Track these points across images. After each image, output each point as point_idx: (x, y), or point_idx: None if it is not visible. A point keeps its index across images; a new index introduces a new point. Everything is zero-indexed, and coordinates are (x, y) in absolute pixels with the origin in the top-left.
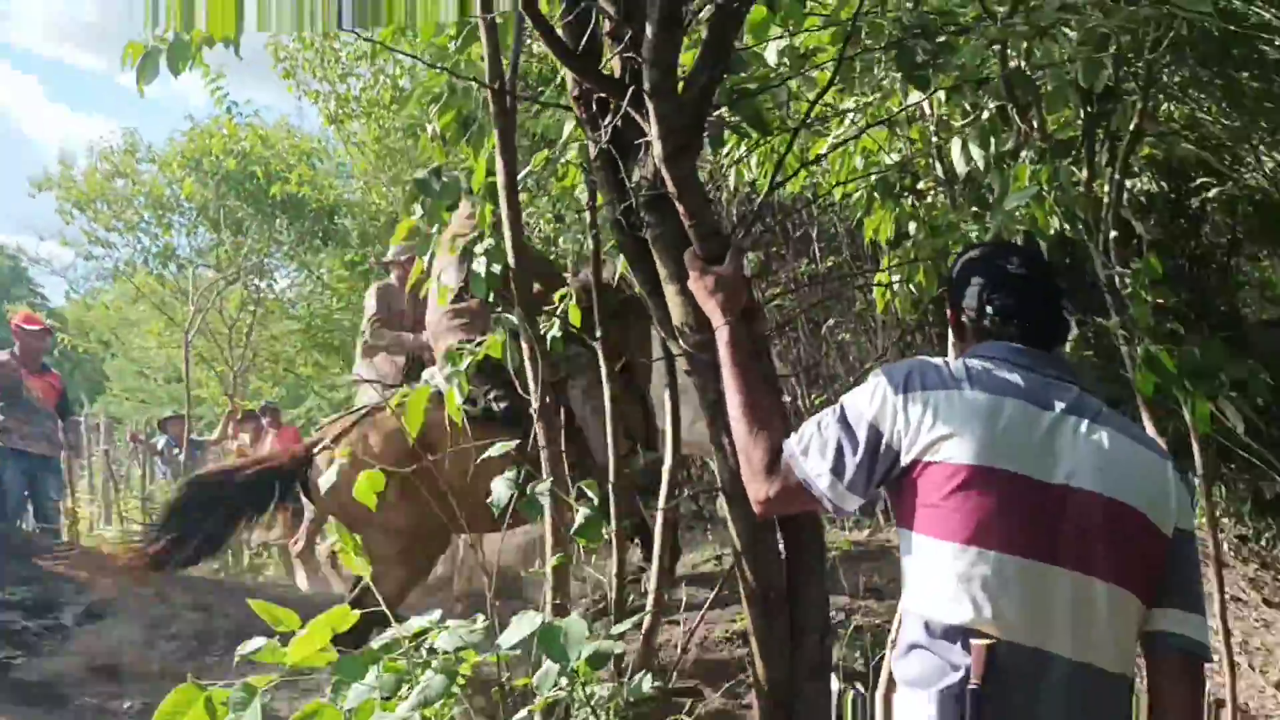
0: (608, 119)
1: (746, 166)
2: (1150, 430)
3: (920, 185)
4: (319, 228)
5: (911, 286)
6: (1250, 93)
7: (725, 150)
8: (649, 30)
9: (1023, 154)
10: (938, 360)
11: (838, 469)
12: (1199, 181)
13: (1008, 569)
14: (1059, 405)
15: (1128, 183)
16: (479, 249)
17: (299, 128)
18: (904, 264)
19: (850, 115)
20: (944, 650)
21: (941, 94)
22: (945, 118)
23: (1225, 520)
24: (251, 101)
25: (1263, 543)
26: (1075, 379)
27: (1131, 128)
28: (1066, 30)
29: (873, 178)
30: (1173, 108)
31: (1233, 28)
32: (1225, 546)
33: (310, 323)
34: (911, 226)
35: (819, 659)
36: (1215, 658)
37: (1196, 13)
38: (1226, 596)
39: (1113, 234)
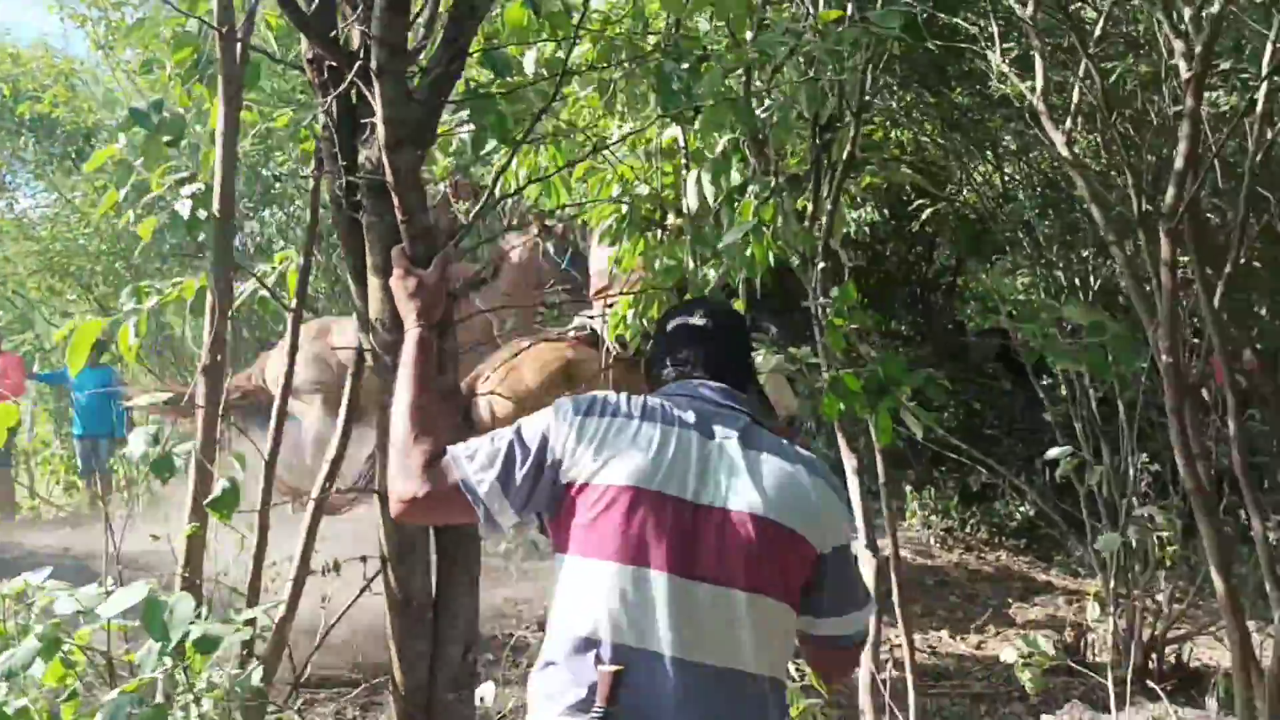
0: (338, 89)
1: (514, 176)
2: (844, 448)
3: (671, 219)
4: (73, 149)
5: (644, 320)
6: (962, 108)
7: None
8: (377, 7)
9: (750, 188)
10: (621, 395)
11: (504, 478)
12: (916, 204)
13: (646, 583)
14: (723, 435)
15: (853, 213)
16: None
17: (63, 50)
18: (641, 293)
19: (614, 138)
20: (576, 666)
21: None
22: (703, 149)
23: (934, 517)
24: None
25: (967, 530)
26: (749, 412)
27: (845, 156)
28: (803, 59)
29: (623, 207)
30: (900, 134)
31: (937, 43)
32: (932, 540)
33: (50, 246)
34: (657, 262)
35: (462, 670)
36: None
37: (889, 30)
38: (931, 582)
39: (821, 265)
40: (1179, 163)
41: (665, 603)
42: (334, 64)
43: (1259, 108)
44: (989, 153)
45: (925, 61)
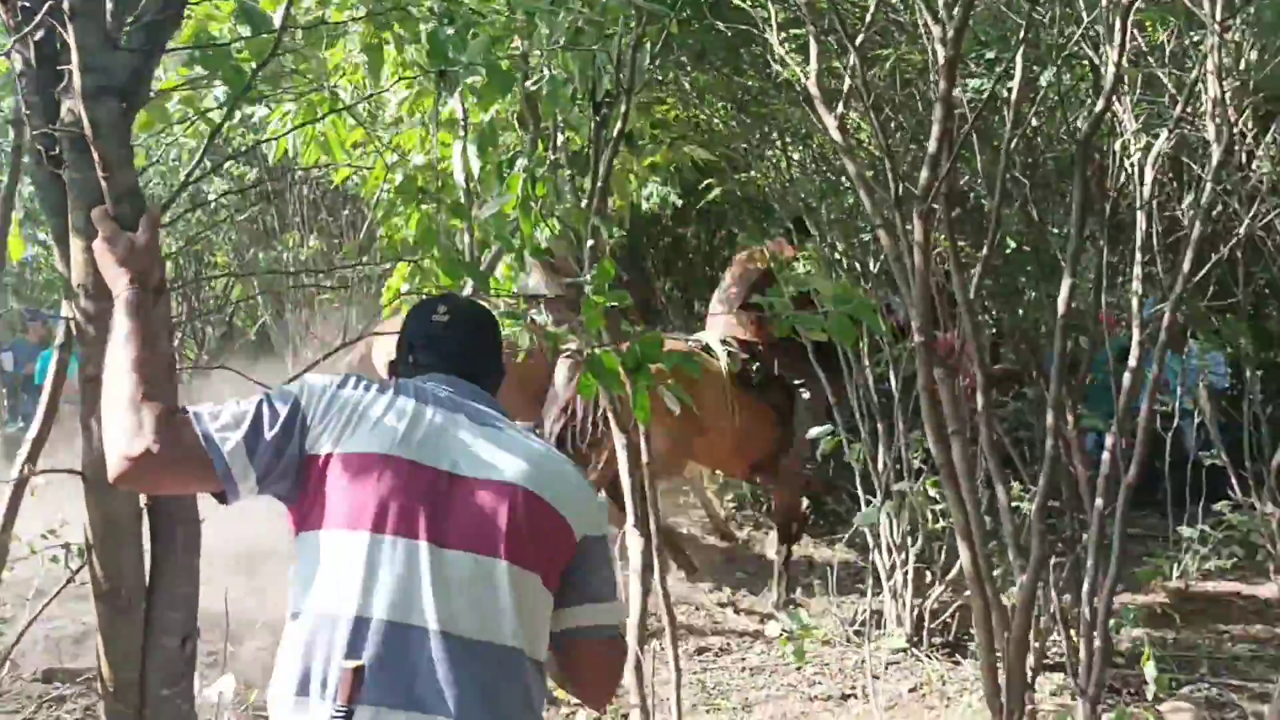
0: (32, 30)
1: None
2: (613, 426)
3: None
4: None
5: (423, 295)
6: (751, 90)
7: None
8: None
9: (519, 162)
10: (373, 379)
11: (251, 438)
12: (704, 184)
13: (401, 552)
14: (479, 419)
15: (643, 193)
16: None
17: None
18: (416, 266)
19: (393, 105)
20: (323, 647)
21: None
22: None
23: (726, 496)
24: None
25: (759, 508)
26: (499, 410)
27: (616, 133)
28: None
29: (396, 178)
30: (694, 114)
31: (722, 24)
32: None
33: None
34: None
35: (178, 664)
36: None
37: (651, 2)
38: (720, 560)
39: (590, 243)
40: (932, 146)
41: (423, 572)
42: (27, 4)
43: (1014, 93)
44: (776, 136)
45: (718, 42)
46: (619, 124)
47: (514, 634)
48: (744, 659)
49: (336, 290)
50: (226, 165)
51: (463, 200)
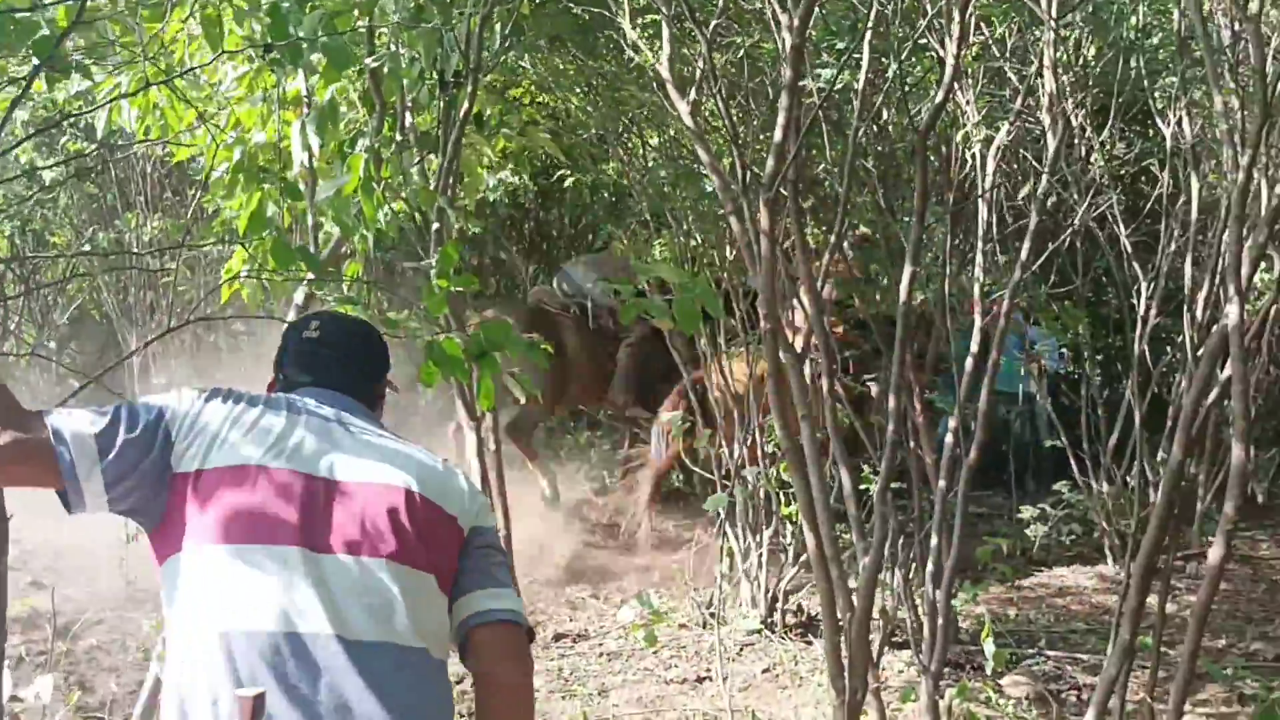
0: None
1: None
2: (462, 414)
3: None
4: None
5: (265, 280)
6: (606, 75)
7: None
8: None
9: (360, 142)
10: (245, 391)
11: (104, 440)
12: (559, 173)
13: (284, 561)
14: (354, 429)
15: (492, 177)
16: None
17: None
18: (257, 248)
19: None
20: (215, 670)
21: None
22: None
23: (588, 483)
24: None
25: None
26: (377, 423)
27: (463, 114)
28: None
29: (235, 155)
30: (550, 99)
31: (576, 7)
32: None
33: None
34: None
35: None
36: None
37: None
38: (581, 545)
39: (435, 225)
40: (777, 134)
41: (301, 579)
42: None
43: (861, 83)
44: (632, 122)
45: (572, 25)
46: (465, 105)
47: (412, 633)
48: (601, 644)
49: (180, 271)
50: (63, 141)
51: (302, 180)
